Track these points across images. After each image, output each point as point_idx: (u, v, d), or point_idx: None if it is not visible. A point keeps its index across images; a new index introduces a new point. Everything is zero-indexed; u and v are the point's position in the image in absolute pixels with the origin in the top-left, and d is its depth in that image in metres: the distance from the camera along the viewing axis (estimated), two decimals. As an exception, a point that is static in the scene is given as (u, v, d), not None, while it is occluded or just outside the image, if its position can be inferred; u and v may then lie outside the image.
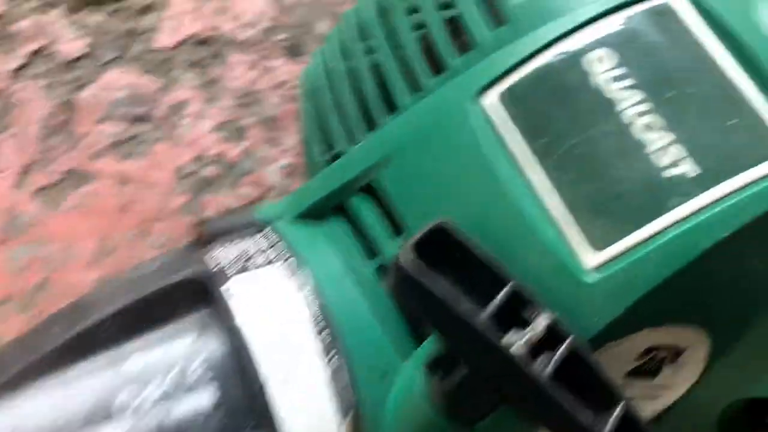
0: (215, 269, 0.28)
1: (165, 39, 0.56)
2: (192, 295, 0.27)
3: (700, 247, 0.23)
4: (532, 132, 0.25)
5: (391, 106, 0.31)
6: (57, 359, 0.26)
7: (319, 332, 0.27)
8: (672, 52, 0.25)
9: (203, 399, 0.26)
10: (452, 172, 0.26)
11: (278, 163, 0.53)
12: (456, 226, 0.24)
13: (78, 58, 0.55)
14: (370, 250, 0.29)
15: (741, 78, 0.25)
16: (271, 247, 0.29)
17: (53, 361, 0.26)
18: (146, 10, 0.57)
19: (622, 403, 0.22)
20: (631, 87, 0.24)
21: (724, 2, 0.25)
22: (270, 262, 0.28)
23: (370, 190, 0.29)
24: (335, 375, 0.26)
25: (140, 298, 0.27)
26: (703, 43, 0.25)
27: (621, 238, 0.23)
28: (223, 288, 0.27)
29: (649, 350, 0.25)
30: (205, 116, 0.54)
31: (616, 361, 0.25)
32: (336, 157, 0.33)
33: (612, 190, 0.24)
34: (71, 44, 0.55)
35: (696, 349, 0.26)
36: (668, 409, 0.28)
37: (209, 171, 0.52)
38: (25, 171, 0.52)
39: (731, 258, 0.23)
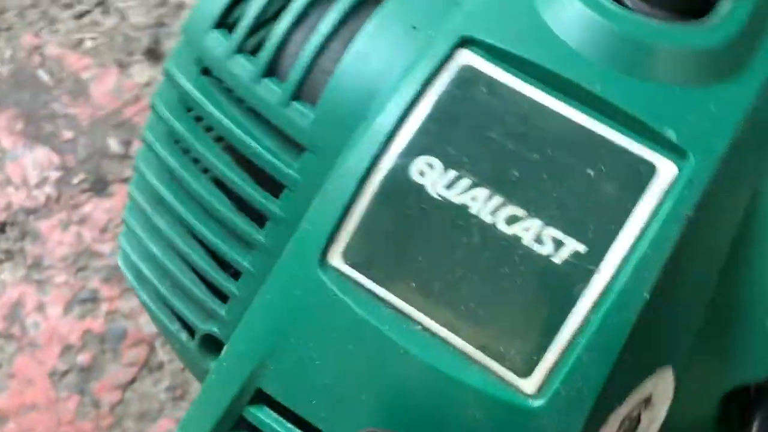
0: None
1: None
2: None
3: (629, 322, 0.20)
4: (399, 280, 0.22)
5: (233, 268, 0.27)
6: None
7: None
8: (496, 122, 0.22)
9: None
10: (336, 356, 0.23)
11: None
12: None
13: None
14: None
15: (572, 112, 0.22)
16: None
17: None
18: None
19: None
20: (473, 186, 0.21)
21: (514, 37, 0.22)
22: None
23: (262, 400, 0.25)
24: None
25: None
26: (521, 91, 0.22)
27: (542, 355, 0.21)
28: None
29: (622, 421, 0.23)
30: (47, 305, 0.48)
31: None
32: (206, 338, 0.29)
33: (512, 306, 0.21)
34: None
35: (663, 382, 0.24)
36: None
37: (83, 358, 0.47)
38: None
39: (661, 305, 0.21)
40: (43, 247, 0.49)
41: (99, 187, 0.51)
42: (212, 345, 0.30)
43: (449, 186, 0.21)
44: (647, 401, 0.24)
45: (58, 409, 0.46)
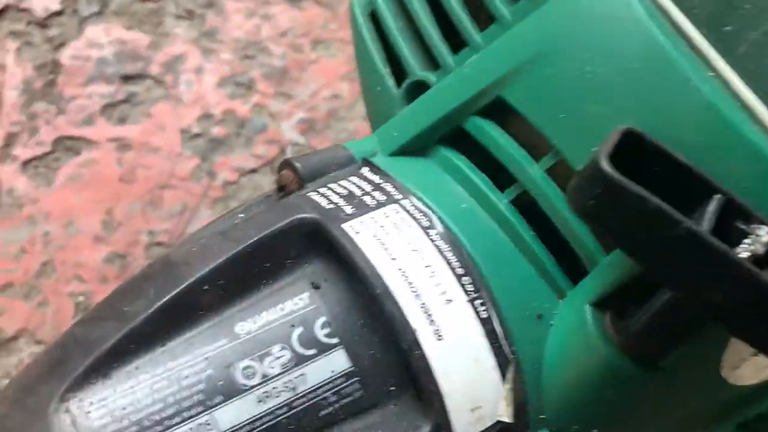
0: (329, 207, 0.23)
1: (153, -12, 0.51)
2: (305, 240, 0.23)
3: None
4: (711, 21, 0.21)
5: (483, 22, 0.27)
6: (157, 327, 0.21)
7: (460, 277, 0.23)
8: None
9: (337, 360, 0.22)
10: (614, 72, 0.22)
11: (293, 119, 0.48)
12: (647, 133, 0.20)
13: (54, 14, 0.49)
14: (499, 179, 0.25)
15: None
16: (377, 187, 0.25)
17: (153, 329, 0.21)
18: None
19: None
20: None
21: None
22: (381, 204, 0.24)
23: (488, 112, 0.25)
24: (486, 324, 0.22)
25: (242, 249, 0.22)
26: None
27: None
28: (344, 226, 0.23)
29: None
30: (206, 71, 0.49)
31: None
32: (417, 85, 0.29)
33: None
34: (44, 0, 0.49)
35: None
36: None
37: (218, 130, 0.47)
38: (8, 143, 0.45)
39: None
40: (222, 23, 0.50)
41: (294, -4, 0.51)
42: (416, 94, 0.30)
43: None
44: None
45: (176, 162, 0.46)
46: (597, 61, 0.22)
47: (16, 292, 0.42)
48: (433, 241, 0.23)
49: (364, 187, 0.25)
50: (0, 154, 0.45)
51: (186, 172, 0.46)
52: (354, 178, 0.25)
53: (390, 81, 0.30)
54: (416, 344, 0.21)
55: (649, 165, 0.20)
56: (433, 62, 0.29)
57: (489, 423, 0.22)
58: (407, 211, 0.24)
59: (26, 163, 0.45)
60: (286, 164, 0.26)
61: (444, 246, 0.23)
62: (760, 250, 0.19)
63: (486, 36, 0.26)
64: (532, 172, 0.24)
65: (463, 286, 0.22)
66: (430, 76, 0.28)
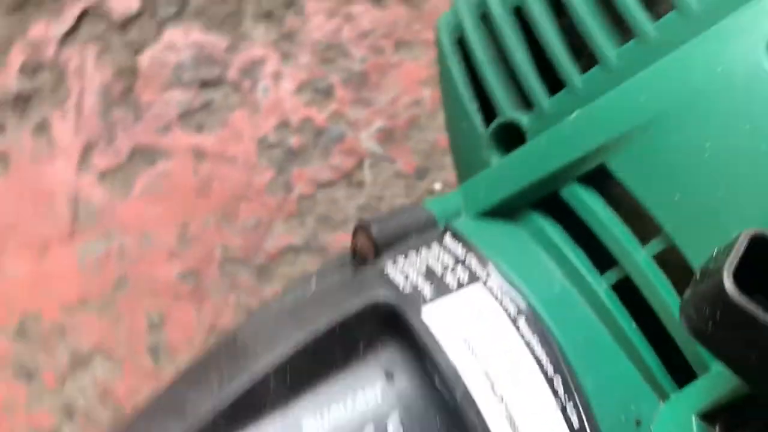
0: (405, 291, 0.21)
1: (232, -12, 0.49)
2: (380, 324, 0.21)
3: None
4: None
5: (585, 60, 0.24)
6: (220, 426, 0.20)
7: (551, 380, 0.20)
8: None
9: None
10: (745, 148, 0.19)
11: (372, 127, 0.46)
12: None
13: (133, 17, 0.48)
14: (597, 257, 0.22)
15: None
16: (460, 261, 0.22)
17: (215, 429, 0.20)
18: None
19: None
20: None
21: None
22: (464, 284, 0.22)
23: (590, 178, 0.22)
24: (581, 429, 0.20)
25: (312, 337, 0.21)
26: None
27: None
28: (423, 315, 0.21)
29: None
30: (284, 76, 0.47)
31: None
32: (507, 127, 0.26)
33: None
34: (123, 1, 0.48)
35: None
36: None
37: (295, 140, 0.46)
38: (87, 151, 0.45)
39: None
40: (302, 24, 0.48)
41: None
42: (506, 137, 0.27)
43: None
44: None
45: (251, 174, 0.45)
46: (716, 134, 0.19)
47: (91, 307, 0.42)
48: (522, 335, 0.21)
49: (445, 261, 0.22)
50: (78, 163, 0.45)
51: (262, 184, 0.45)
52: (435, 249, 0.23)
53: (477, 119, 0.28)
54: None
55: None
56: (525, 101, 0.26)
57: None
58: (493, 295, 0.22)
59: (103, 174, 0.44)
60: (362, 229, 0.24)
61: (533, 340, 0.21)
62: None
63: (587, 80, 0.23)
64: (638, 257, 0.21)
65: (554, 390, 0.20)
66: (522, 118, 0.26)
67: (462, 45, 0.29)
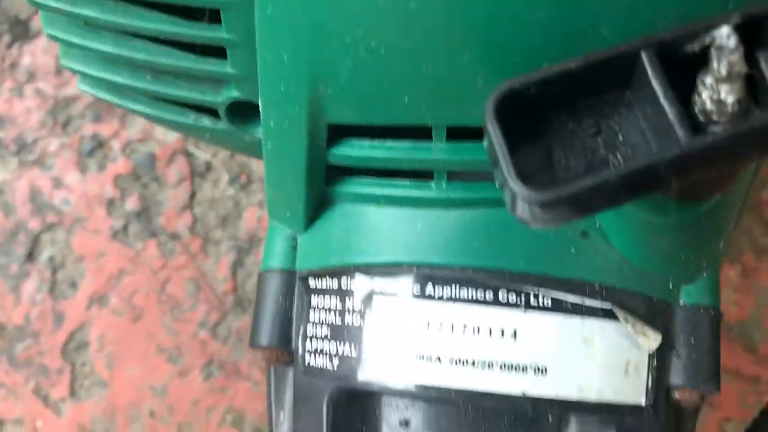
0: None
1: None
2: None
3: None
4: None
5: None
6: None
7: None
8: None
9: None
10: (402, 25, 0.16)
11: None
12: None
13: None
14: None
15: None
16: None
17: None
18: None
19: None
20: None
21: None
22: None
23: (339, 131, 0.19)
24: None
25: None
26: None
27: None
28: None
29: None
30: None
31: None
32: (232, 107, 0.23)
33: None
34: None
35: None
36: None
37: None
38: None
39: None
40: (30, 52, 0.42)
41: None
42: (242, 111, 0.24)
43: None
44: None
45: (134, 255, 0.42)
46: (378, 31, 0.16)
47: None
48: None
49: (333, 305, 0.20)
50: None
51: (153, 258, 0.42)
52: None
53: (206, 121, 0.25)
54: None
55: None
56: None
57: None
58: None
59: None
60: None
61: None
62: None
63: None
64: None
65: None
66: (231, 92, 0.23)
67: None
